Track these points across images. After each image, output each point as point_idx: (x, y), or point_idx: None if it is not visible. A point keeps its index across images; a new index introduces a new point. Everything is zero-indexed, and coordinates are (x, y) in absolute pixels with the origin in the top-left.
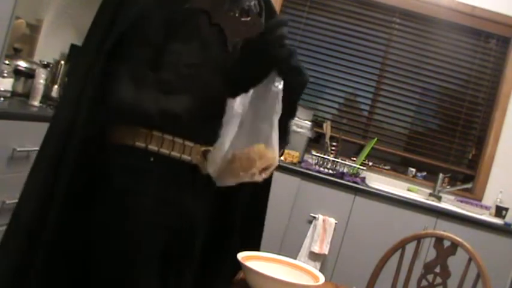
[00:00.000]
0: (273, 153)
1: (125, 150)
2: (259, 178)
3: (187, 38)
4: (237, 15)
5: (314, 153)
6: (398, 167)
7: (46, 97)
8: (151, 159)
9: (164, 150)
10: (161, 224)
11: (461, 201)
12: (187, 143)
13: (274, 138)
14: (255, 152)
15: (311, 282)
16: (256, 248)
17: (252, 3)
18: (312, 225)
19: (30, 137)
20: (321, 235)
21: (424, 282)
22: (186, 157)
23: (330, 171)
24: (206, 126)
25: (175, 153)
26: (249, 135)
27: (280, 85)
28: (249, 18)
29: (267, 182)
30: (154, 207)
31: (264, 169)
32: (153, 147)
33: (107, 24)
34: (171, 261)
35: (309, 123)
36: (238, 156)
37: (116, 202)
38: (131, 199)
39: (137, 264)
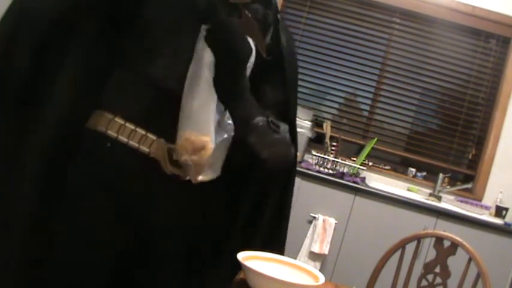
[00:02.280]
0: (197, 137)
1: (87, 133)
2: (195, 158)
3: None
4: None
5: (314, 153)
6: (398, 167)
7: None
8: (108, 144)
9: (122, 138)
10: (109, 215)
11: (461, 201)
12: (150, 135)
13: (199, 121)
14: (183, 138)
15: (311, 282)
16: (281, 249)
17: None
18: (312, 225)
19: None
20: (321, 235)
21: (424, 282)
22: (144, 149)
23: (330, 171)
24: (167, 118)
25: (133, 143)
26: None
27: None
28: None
29: (289, 183)
30: (104, 195)
31: (195, 151)
32: (112, 133)
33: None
34: (128, 256)
35: (309, 123)
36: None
37: (70, 185)
38: (84, 184)
39: (86, 251)
